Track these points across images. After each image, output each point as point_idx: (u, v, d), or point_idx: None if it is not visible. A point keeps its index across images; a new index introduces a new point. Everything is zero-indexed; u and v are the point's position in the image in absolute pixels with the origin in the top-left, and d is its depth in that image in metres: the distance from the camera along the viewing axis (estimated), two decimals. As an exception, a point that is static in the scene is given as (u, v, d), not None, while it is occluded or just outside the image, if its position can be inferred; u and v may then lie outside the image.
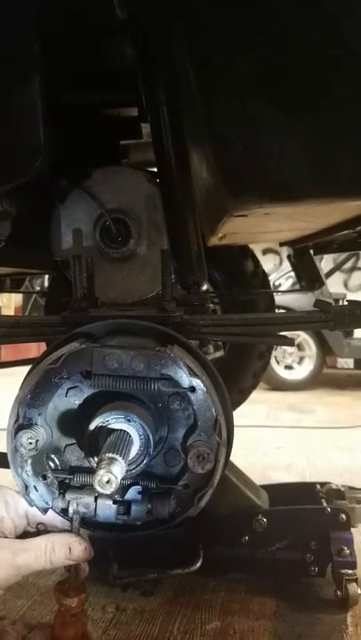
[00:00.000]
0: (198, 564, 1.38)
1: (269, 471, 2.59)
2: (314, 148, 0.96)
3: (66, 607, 0.88)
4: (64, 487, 0.94)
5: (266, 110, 0.94)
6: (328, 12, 0.87)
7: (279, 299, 4.27)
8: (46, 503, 0.93)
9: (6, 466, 0.94)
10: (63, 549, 0.87)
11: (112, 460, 0.78)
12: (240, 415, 2.24)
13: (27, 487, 0.92)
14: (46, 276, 2.94)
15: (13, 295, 5.54)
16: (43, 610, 1.38)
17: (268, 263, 5.98)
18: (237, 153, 0.98)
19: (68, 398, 0.94)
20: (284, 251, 2.64)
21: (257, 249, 2.56)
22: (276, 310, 2.64)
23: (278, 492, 1.59)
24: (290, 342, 1.13)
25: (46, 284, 2.98)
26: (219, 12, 0.93)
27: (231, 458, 1.18)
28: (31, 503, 0.92)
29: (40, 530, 0.96)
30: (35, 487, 0.92)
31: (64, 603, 0.88)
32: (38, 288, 4.09)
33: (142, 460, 0.89)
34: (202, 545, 1.40)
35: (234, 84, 0.95)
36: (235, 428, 1.04)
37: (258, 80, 0.94)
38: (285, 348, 5.39)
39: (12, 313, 5.83)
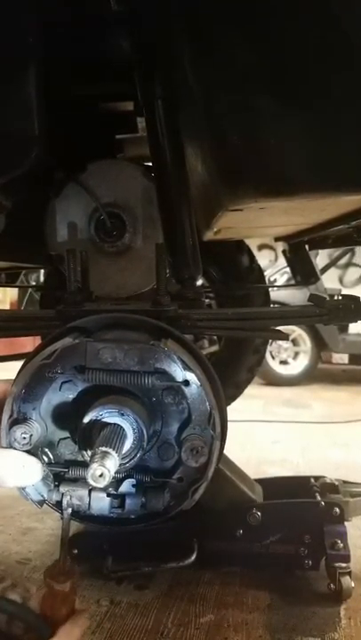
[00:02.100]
0: (193, 558, 1.39)
1: (265, 465, 2.60)
2: (312, 143, 0.95)
3: (56, 593, 0.85)
4: (59, 480, 0.94)
5: (264, 104, 0.94)
6: (328, 11, 0.87)
7: (275, 294, 4.26)
8: (41, 496, 0.93)
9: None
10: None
11: (105, 453, 0.78)
12: (235, 410, 2.24)
13: (21, 481, 0.92)
14: (42, 271, 2.93)
15: (9, 289, 5.52)
16: (37, 603, 1.38)
17: (263, 259, 5.97)
18: (234, 147, 0.97)
19: (62, 392, 0.94)
20: (280, 246, 2.64)
21: (253, 244, 2.55)
22: (272, 305, 2.64)
23: (273, 486, 1.60)
24: (284, 337, 1.14)
25: (42, 278, 2.97)
26: (219, 10, 0.93)
27: (226, 452, 1.18)
28: (27, 497, 0.92)
29: None
30: (29, 481, 0.92)
31: (56, 589, 0.85)
32: (34, 282, 4.08)
33: (136, 454, 0.89)
34: (196, 538, 1.40)
35: (234, 79, 0.95)
36: (230, 423, 1.04)
37: (258, 75, 0.94)
38: (281, 343, 5.40)
39: (7, 307, 5.82)
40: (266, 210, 1.15)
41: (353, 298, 1.13)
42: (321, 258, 5.42)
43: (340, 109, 0.92)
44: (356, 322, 1.13)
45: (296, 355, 5.61)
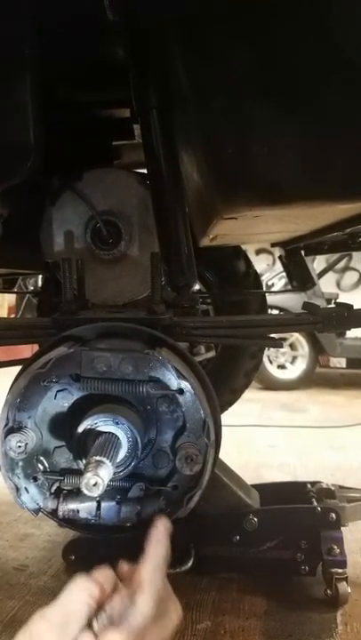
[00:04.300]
0: (189, 564, 1.39)
1: (262, 470, 2.60)
2: (304, 152, 0.96)
3: None
4: (54, 489, 0.94)
5: (258, 112, 0.94)
6: (323, 20, 0.88)
7: (272, 299, 4.28)
8: (37, 504, 0.94)
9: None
10: None
11: (99, 462, 0.79)
12: (233, 414, 2.24)
13: (18, 490, 0.92)
14: (40, 276, 2.94)
15: (7, 295, 5.53)
16: (34, 610, 1.38)
17: (261, 263, 5.98)
18: (228, 155, 0.98)
19: (58, 401, 0.94)
20: (277, 251, 2.65)
21: (250, 249, 2.56)
22: (269, 310, 2.65)
23: (269, 491, 1.60)
24: (278, 344, 1.14)
25: (39, 283, 2.98)
26: (214, 14, 0.93)
27: (224, 457, 1.18)
28: (22, 505, 0.93)
29: None
30: (26, 489, 0.93)
31: None
32: (32, 288, 4.08)
33: (130, 463, 0.89)
34: (193, 544, 1.40)
35: (228, 85, 0.95)
36: (227, 428, 1.05)
37: (253, 80, 0.94)
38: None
39: (5, 313, 5.82)
40: (261, 218, 1.16)
41: (346, 306, 1.14)
42: (318, 262, 5.43)
43: (336, 116, 0.93)
44: (349, 329, 1.14)
45: (294, 359, 5.61)
